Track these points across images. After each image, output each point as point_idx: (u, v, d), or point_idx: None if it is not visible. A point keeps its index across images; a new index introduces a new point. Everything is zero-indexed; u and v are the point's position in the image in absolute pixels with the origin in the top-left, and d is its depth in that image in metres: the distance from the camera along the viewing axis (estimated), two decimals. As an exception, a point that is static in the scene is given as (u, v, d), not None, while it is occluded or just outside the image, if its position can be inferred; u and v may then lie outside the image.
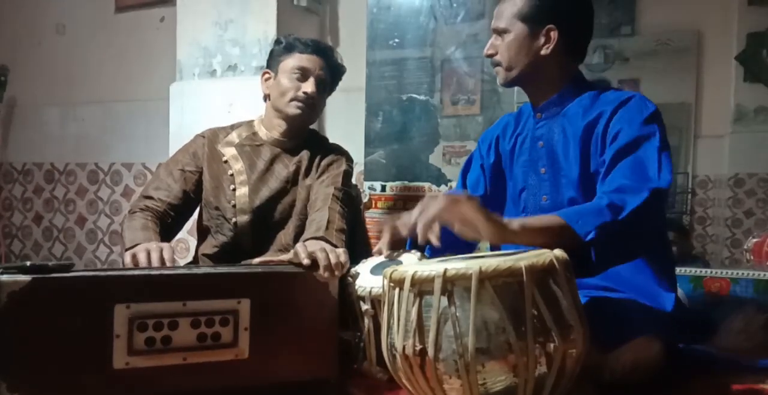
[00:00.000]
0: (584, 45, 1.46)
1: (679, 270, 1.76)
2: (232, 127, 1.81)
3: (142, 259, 1.38)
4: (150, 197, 1.67)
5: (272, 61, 1.77)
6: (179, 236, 1.87)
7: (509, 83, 1.46)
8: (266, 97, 1.78)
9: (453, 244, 1.22)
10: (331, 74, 1.76)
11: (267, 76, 1.77)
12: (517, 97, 2.31)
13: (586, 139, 1.36)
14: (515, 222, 1.09)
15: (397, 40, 2.49)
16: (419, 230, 1.11)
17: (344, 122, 2.69)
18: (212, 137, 1.78)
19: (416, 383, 0.98)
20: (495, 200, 1.54)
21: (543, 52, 1.39)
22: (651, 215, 1.19)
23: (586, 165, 1.37)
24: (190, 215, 1.79)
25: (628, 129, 1.30)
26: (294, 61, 1.71)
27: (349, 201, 1.75)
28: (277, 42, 1.78)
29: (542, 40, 1.38)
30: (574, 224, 1.10)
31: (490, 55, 1.45)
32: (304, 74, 1.70)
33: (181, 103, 2.60)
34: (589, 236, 1.09)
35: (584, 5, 1.44)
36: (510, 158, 1.53)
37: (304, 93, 1.68)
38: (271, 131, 1.76)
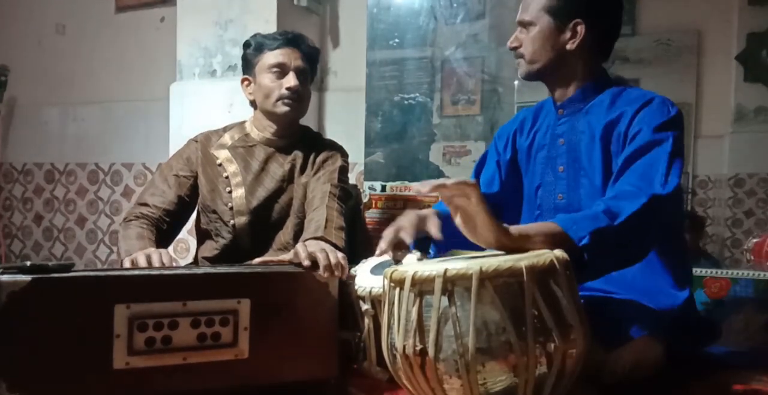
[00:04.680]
0: (611, 42, 1.43)
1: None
2: (225, 129, 1.80)
3: (142, 263, 1.38)
4: (145, 204, 1.67)
5: (247, 66, 1.75)
6: (179, 236, 1.87)
7: (530, 77, 1.43)
8: (253, 103, 1.76)
9: (456, 240, 1.20)
10: (308, 61, 1.73)
11: (246, 82, 1.75)
12: (518, 97, 2.31)
13: (607, 138, 1.35)
14: (513, 228, 1.07)
15: (397, 40, 2.49)
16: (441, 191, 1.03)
17: (344, 122, 2.68)
18: (205, 141, 1.77)
19: (416, 383, 0.98)
20: (509, 198, 1.52)
21: (568, 46, 1.37)
22: (650, 220, 1.16)
23: (609, 166, 1.34)
24: (186, 220, 1.79)
25: (645, 132, 1.28)
26: (268, 59, 1.69)
27: (347, 198, 1.75)
28: (246, 45, 1.76)
29: (568, 34, 1.36)
30: (569, 230, 1.09)
31: (514, 48, 1.42)
32: (282, 70, 1.68)
33: (181, 103, 2.60)
34: (583, 241, 1.08)
35: (613, 1, 1.42)
36: (527, 154, 1.51)
37: (288, 89, 1.66)
38: (262, 131, 1.75)
